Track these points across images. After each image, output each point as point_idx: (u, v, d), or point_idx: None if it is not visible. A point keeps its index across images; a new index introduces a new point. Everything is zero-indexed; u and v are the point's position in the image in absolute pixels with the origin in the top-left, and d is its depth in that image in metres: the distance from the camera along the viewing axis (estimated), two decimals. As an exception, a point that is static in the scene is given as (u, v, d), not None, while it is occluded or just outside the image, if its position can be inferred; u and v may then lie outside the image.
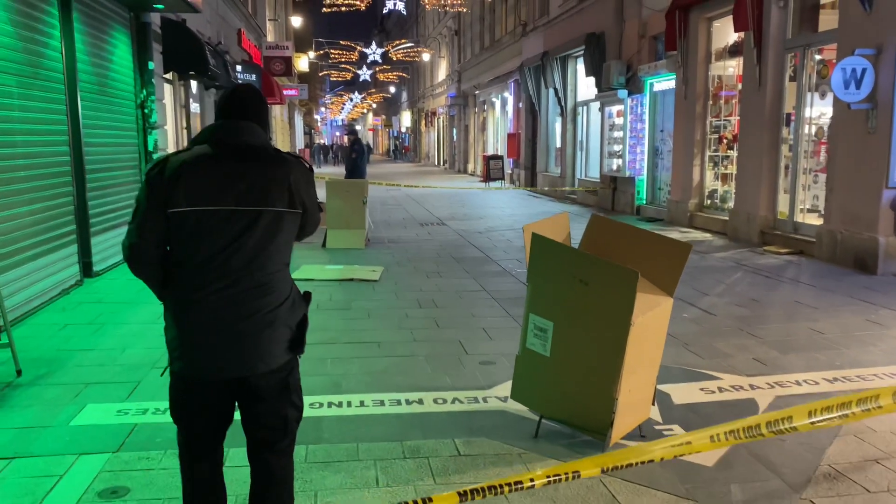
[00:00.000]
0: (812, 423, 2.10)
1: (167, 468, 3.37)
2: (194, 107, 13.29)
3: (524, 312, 3.69)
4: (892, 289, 7.23)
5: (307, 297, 2.59)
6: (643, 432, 3.82)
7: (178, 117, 12.32)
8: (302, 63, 34.84)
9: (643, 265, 3.50)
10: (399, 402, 4.24)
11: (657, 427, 3.93)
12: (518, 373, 3.81)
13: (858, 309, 6.45)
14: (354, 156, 14.86)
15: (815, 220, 9.38)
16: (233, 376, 2.43)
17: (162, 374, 2.62)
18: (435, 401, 4.28)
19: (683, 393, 4.44)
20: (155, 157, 10.00)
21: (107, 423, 3.91)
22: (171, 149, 11.67)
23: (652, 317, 3.49)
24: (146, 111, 9.90)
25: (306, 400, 4.22)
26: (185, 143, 12.56)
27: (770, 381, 4.64)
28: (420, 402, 4.26)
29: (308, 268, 8.51)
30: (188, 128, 12.76)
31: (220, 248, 2.35)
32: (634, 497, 3.16)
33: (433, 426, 3.91)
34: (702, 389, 4.52)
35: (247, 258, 2.37)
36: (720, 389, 4.52)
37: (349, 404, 4.21)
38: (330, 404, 4.21)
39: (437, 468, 3.42)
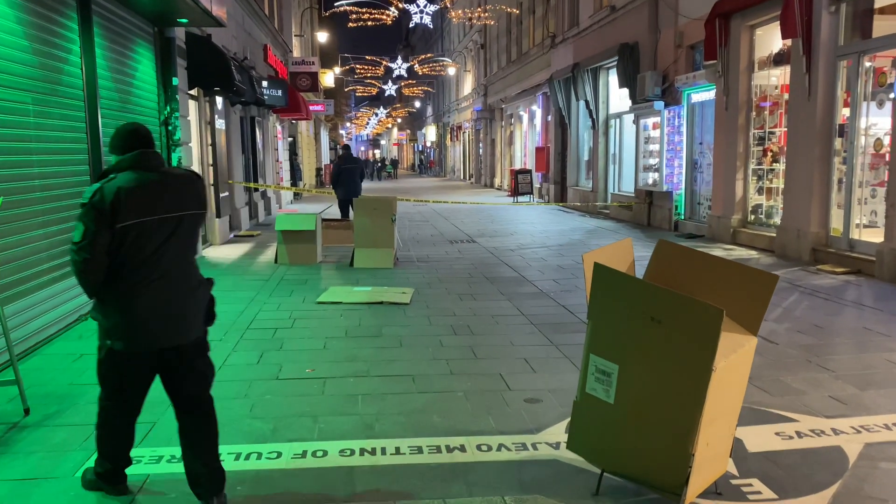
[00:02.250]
0: None
1: (180, 532, 2.97)
2: (220, 123, 13.06)
3: (583, 352, 3.24)
4: (968, 313, 6.65)
5: (210, 281, 3.29)
6: (719, 489, 3.34)
7: (203, 134, 12.07)
8: (328, 79, 34.77)
9: (722, 299, 3.04)
10: (439, 449, 3.80)
11: (734, 482, 3.44)
12: (576, 420, 3.35)
13: (936, 337, 5.89)
14: (339, 162, 14.17)
15: (872, 238, 8.79)
16: (172, 344, 3.11)
17: (100, 356, 3.13)
18: (478, 447, 3.83)
19: (758, 438, 3.94)
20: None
21: (116, 473, 3.52)
22: (195, 166, 11.43)
23: (735, 360, 3.02)
24: (170, 128, 9.66)
25: (336, 445, 3.86)
26: (210, 160, 12.32)
27: (854, 424, 4.12)
28: (462, 448, 3.82)
29: (336, 290, 8.13)
30: (213, 144, 12.51)
31: (156, 247, 3.03)
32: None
33: (478, 479, 3.47)
34: (778, 434, 4.01)
35: (176, 253, 3.10)
36: (798, 434, 4.01)
37: (384, 451, 3.78)
38: (363, 451, 3.78)
39: (487, 534, 2.97)
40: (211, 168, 12.37)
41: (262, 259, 10.74)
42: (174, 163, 9.67)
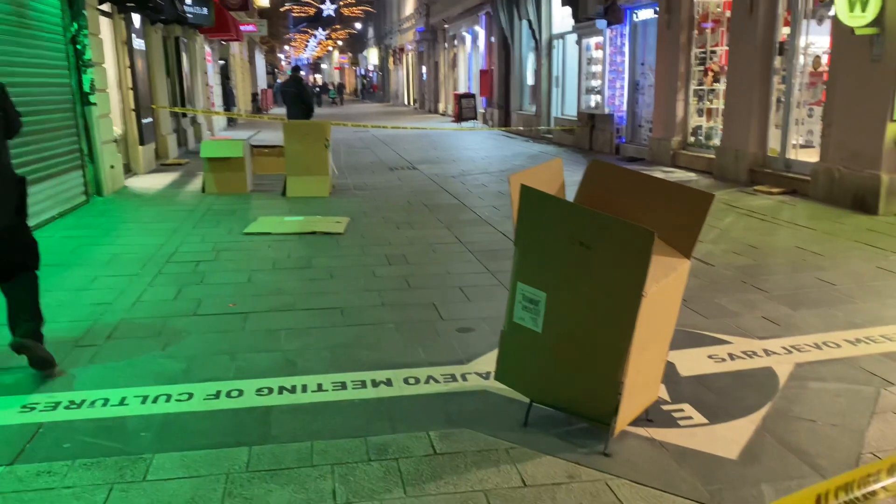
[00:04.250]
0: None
1: (72, 486, 2.72)
2: (138, 43, 12.13)
3: (511, 280, 3.04)
4: (896, 231, 6.74)
5: (23, 179, 3.78)
6: (650, 416, 3.25)
7: (119, 54, 11.20)
8: (261, -3, 32.88)
9: (655, 220, 2.86)
10: (364, 384, 3.61)
11: (665, 407, 3.36)
12: (504, 351, 3.18)
13: (866, 255, 5.94)
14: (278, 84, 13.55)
15: (809, 157, 8.82)
16: None
17: None
18: (406, 381, 3.66)
19: (690, 361, 3.88)
20: (92, 98, 9.04)
21: (6, 423, 3.22)
22: (112, 88, 10.64)
23: (667, 285, 2.86)
24: (79, 47, 8.87)
25: (254, 384, 3.63)
26: (130, 83, 11.51)
27: (786, 344, 4.09)
28: (388, 382, 3.64)
29: (265, 220, 7.75)
30: (132, 66, 11.64)
31: None
32: (649, 506, 2.60)
33: (404, 414, 3.30)
34: (710, 357, 3.96)
35: None
36: (731, 356, 3.96)
37: (304, 388, 3.57)
38: (282, 389, 3.56)
39: (409, 473, 2.81)
40: (131, 92, 11.55)
41: (188, 189, 10.20)
42: (86, 86, 8.95)
